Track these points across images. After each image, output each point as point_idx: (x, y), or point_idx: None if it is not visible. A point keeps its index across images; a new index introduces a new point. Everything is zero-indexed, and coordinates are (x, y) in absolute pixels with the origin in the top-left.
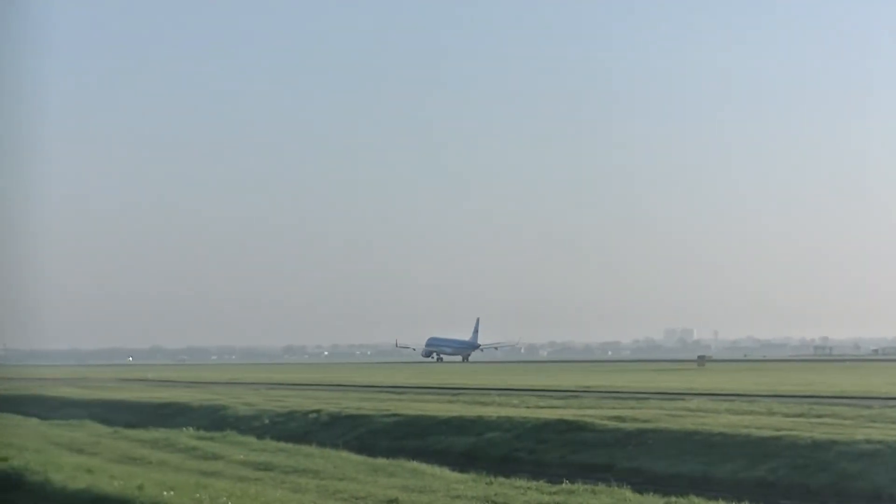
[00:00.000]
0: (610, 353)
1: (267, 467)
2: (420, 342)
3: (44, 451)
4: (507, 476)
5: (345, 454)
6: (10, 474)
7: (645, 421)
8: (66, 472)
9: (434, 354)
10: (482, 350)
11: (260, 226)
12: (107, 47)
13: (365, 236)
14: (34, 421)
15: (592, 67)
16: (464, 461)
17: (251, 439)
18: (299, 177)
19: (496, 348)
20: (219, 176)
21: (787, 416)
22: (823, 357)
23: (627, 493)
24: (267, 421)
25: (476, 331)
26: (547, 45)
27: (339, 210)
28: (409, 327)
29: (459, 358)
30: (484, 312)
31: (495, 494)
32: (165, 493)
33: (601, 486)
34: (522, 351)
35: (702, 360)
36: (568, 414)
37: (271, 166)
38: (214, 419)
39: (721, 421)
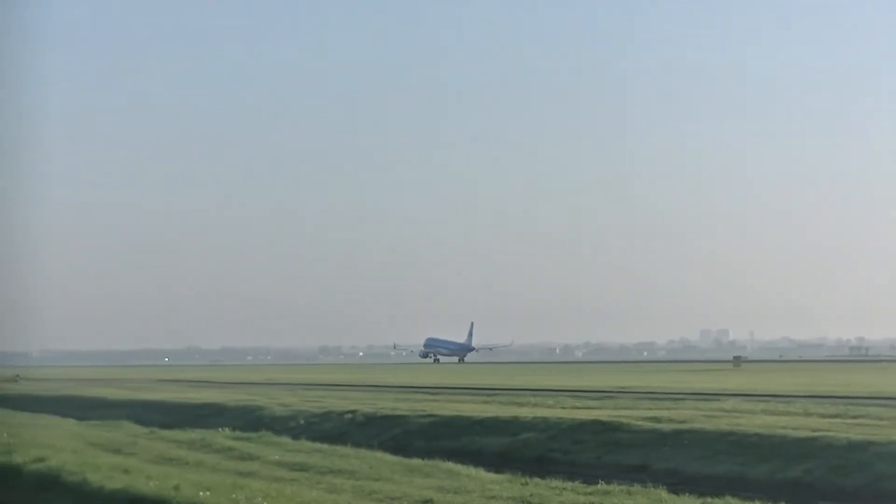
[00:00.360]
0: (645, 353)
1: (302, 468)
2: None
3: (81, 452)
4: (542, 477)
5: (380, 455)
6: (48, 474)
7: (680, 421)
8: (104, 472)
9: (431, 355)
10: (477, 351)
11: (296, 227)
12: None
13: (402, 238)
14: (71, 421)
15: (615, 67)
16: (499, 462)
17: (287, 440)
18: (333, 178)
19: (491, 349)
20: (254, 177)
21: (823, 416)
22: (859, 358)
23: (663, 493)
24: (302, 421)
25: (471, 334)
26: (562, 46)
27: (374, 212)
28: (442, 328)
29: (456, 359)
30: (519, 312)
31: (531, 495)
32: (202, 493)
33: (637, 487)
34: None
35: (737, 361)
36: (603, 414)
37: (307, 166)
38: (250, 420)
39: (757, 422)
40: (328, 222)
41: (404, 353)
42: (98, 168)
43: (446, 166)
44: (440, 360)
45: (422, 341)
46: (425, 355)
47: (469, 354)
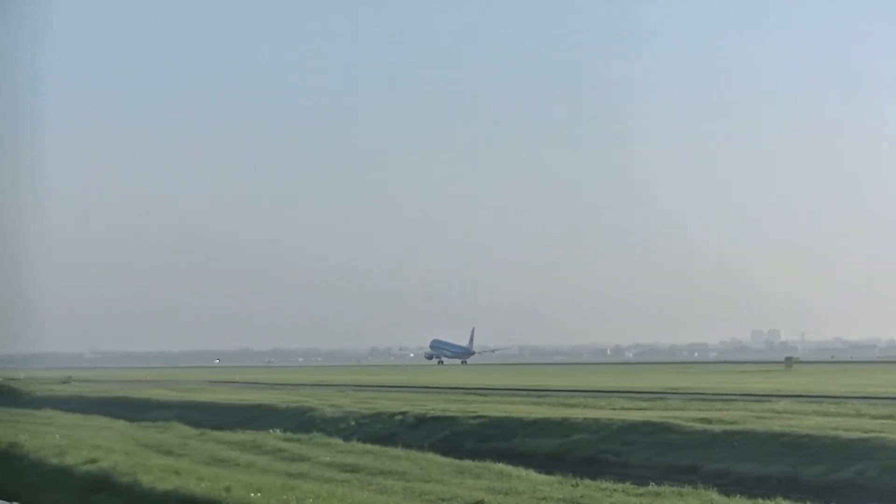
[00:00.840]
0: (696, 354)
1: (353, 469)
2: (481, 344)
3: (132, 453)
4: (592, 478)
5: (430, 456)
6: (99, 476)
7: (731, 422)
8: (155, 473)
9: (436, 357)
10: (480, 354)
11: (346, 229)
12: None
13: (450, 237)
14: (122, 423)
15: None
16: (549, 463)
17: (337, 441)
18: (379, 180)
19: (493, 352)
20: (302, 181)
21: (875, 417)
22: None
23: (714, 495)
24: (353, 423)
25: (472, 339)
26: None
27: (422, 213)
28: (493, 328)
29: (459, 361)
30: (569, 313)
31: (581, 496)
32: (252, 494)
33: (687, 489)
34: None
35: (789, 362)
36: (654, 415)
37: (354, 170)
38: (301, 421)
39: (808, 423)
40: (377, 225)
41: (411, 356)
42: (135, 168)
43: (487, 167)
44: (444, 362)
45: (462, 342)
46: (430, 357)
47: (471, 357)
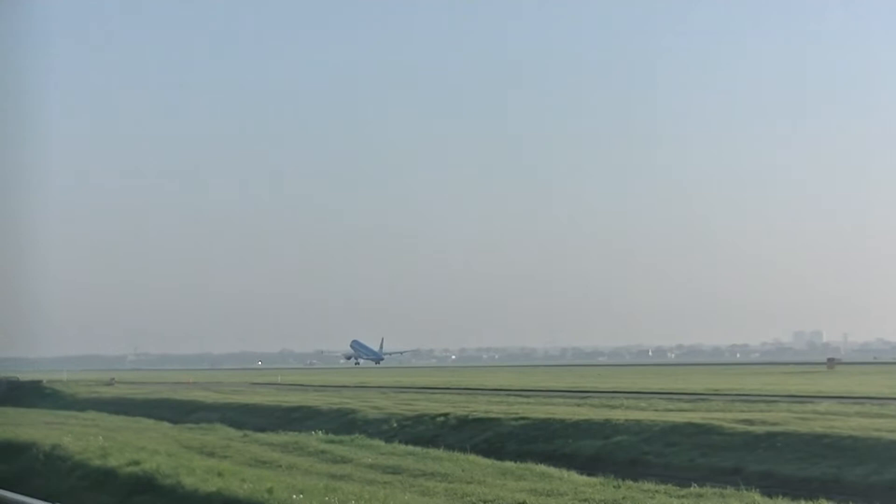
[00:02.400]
0: (738, 355)
1: (395, 471)
2: (533, 346)
3: (175, 455)
4: (635, 480)
5: (473, 457)
6: (142, 477)
7: (774, 424)
8: (198, 475)
9: (354, 358)
10: (392, 356)
11: (384, 231)
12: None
13: (493, 239)
14: (165, 424)
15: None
16: (592, 465)
17: (379, 443)
18: (411, 183)
19: (402, 353)
20: (341, 184)
21: None
22: None
23: (756, 496)
24: (395, 424)
25: (381, 346)
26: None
27: (465, 214)
28: (537, 331)
29: (373, 363)
30: (611, 315)
31: (623, 498)
32: (295, 496)
33: (730, 490)
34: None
35: (831, 363)
36: (696, 417)
37: (391, 170)
38: (343, 423)
39: (851, 424)
40: (419, 228)
41: (347, 362)
42: (171, 168)
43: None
44: (360, 363)
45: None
46: (349, 357)
47: (381, 361)
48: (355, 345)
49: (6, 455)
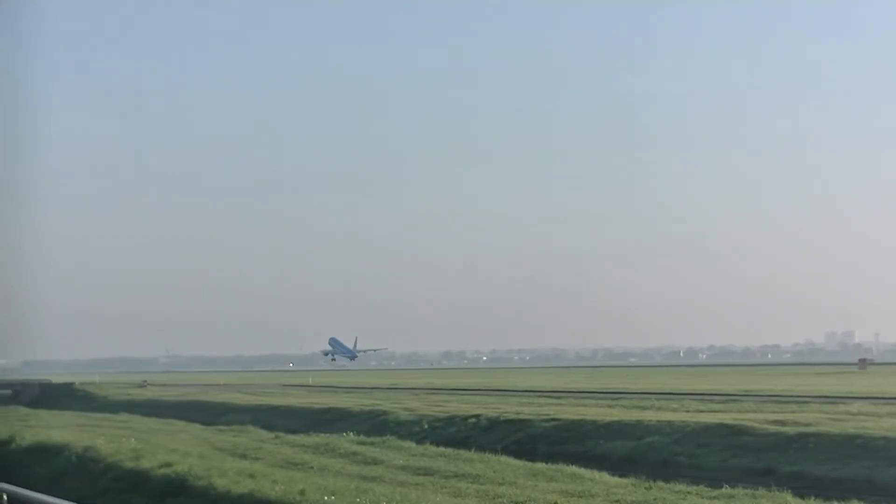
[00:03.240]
0: (770, 356)
1: (427, 472)
2: (564, 347)
3: (207, 457)
4: (666, 481)
5: (504, 459)
6: (175, 479)
7: (806, 424)
8: (230, 476)
9: (331, 354)
10: (365, 353)
11: (415, 234)
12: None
13: (524, 242)
14: (197, 426)
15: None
16: (623, 466)
17: (411, 444)
18: (450, 183)
19: (375, 351)
20: (367, 184)
21: None
22: None
23: (788, 497)
24: (426, 426)
25: (355, 345)
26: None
27: (497, 217)
28: (568, 333)
29: (348, 359)
30: (643, 316)
31: (655, 499)
32: (326, 497)
33: (762, 491)
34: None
35: (863, 363)
36: (728, 418)
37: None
38: (374, 424)
39: (884, 425)
40: (450, 231)
41: (334, 360)
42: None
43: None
44: (336, 359)
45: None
46: (327, 353)
47: (355, 359)
48: (333, 342)
49: (40, 457)
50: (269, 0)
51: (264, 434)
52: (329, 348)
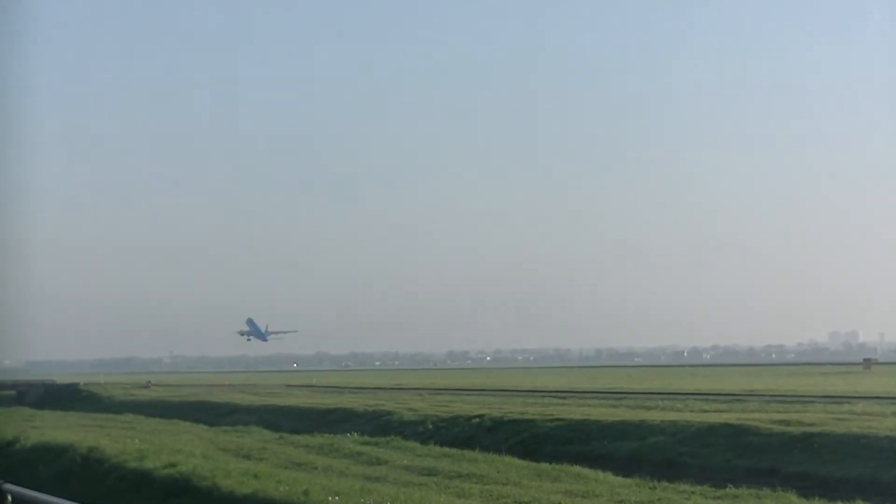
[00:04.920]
0: (774, 356)
1: (431, 472)
2: (568, 347)
3: (211, 457)
4: (670, 481)
5: (508, 459)
6: (179, 479)
7: (810, 424)
8: (234, 477)
9: (246, 334)
10: (276, 335)
11: (417, 233)
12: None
13: (527, 242)
14: (202, 427)
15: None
16: (627, 466)
17: (415, 444)
18: (448, 180)
19: (285, 332)
20: (377, 179)
21: None
22: None
23: (793, 497)
24: (430, 426)
25: (266, 329)
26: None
27: (497, 217)
28: (572, 333)
29: (261, 340)
30: (645, 316)
31: (659, 500)
32: (331, 498)
33: (766, 491)
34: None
35: (867, 363)
36: (732, 418)
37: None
38: (379, 424)
39: (888, 424)
40: (452, 230)
41: (249, 339)
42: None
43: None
44: (251, 339)
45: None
46: (243, 333)
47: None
48: (249, 323)
49: (45, 458)
50: None
51: (268, 434)
52: (246, 328)
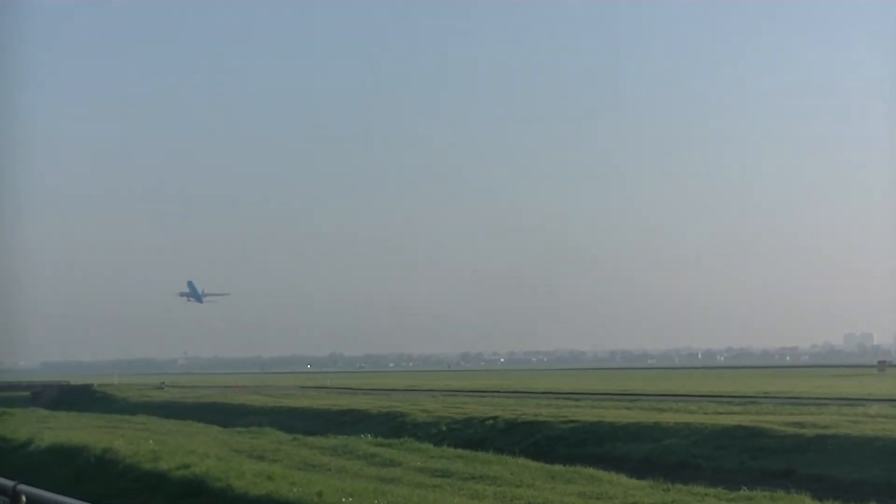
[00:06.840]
0: (788, 358)
1: (444, 474)
2: (582, 349)
3: (225, 458)
4: (684, 483)
5: (522, 461)
6: (193, 481)
7: (824, 427)
8: (248, 478)
9: (186, 296)
10: (212, 297)
11: (432, 236)
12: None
13: (540, 244)
14: (216, 428)
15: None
16: (641, 468)
17: (429, 446)
18: (455, 182)
19: (219, 296)
20: (389, 183)
21: None
22: None
23: (807, 499)
24: (444, 428)
25: (202, 291)
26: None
27: (511, 220)
28: (586, 335)
29: (197, 302)
30: (659, 318)
31: (672, 501)
32: (344, 499)
33: (780, 493)
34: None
35: (882, 366)
36: (746, 420)
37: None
38: (392, 426)
39: None
40: (466, 233)
41: (189, 300)
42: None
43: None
44: (190, 301)
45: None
46: (183, 295)
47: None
48: (189, 285)
49: (59, 459)
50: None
51: (282, 436)
52: (186, 290)
